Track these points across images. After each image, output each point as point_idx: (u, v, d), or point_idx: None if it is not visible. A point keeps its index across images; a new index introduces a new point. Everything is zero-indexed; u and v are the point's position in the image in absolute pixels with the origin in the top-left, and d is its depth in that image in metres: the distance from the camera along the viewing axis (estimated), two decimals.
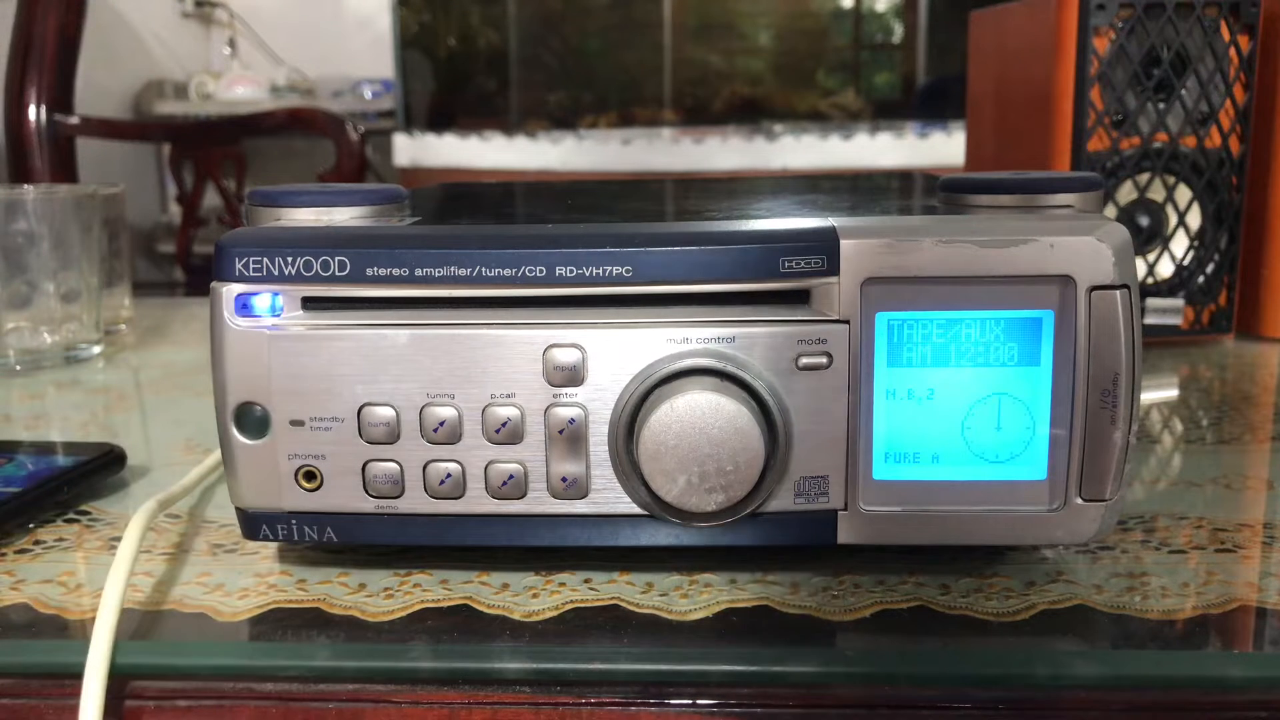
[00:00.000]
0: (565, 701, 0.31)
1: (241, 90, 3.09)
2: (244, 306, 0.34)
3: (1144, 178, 0.67)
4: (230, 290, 0.34)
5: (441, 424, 0.34)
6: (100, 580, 0.34)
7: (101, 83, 2.81)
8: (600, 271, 0.33)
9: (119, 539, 0.36)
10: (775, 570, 0.36)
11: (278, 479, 0.35)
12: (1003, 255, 0.33)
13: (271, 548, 0.39)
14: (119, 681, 0.31)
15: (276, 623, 0.33)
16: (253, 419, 0.34)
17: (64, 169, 1.27)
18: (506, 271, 0.33)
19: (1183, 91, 0.66)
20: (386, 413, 0.34)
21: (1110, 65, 0.65)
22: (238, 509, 0.36)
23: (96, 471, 0.45)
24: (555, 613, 0.34)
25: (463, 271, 0.33)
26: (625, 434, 0.33)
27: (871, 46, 3.49)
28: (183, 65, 3.25)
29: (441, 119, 3.32)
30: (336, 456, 0.35)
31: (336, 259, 0.33)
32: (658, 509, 0.34)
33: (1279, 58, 0.68)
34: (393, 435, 0.34)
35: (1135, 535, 0.39)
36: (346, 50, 3.30)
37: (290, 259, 0.34)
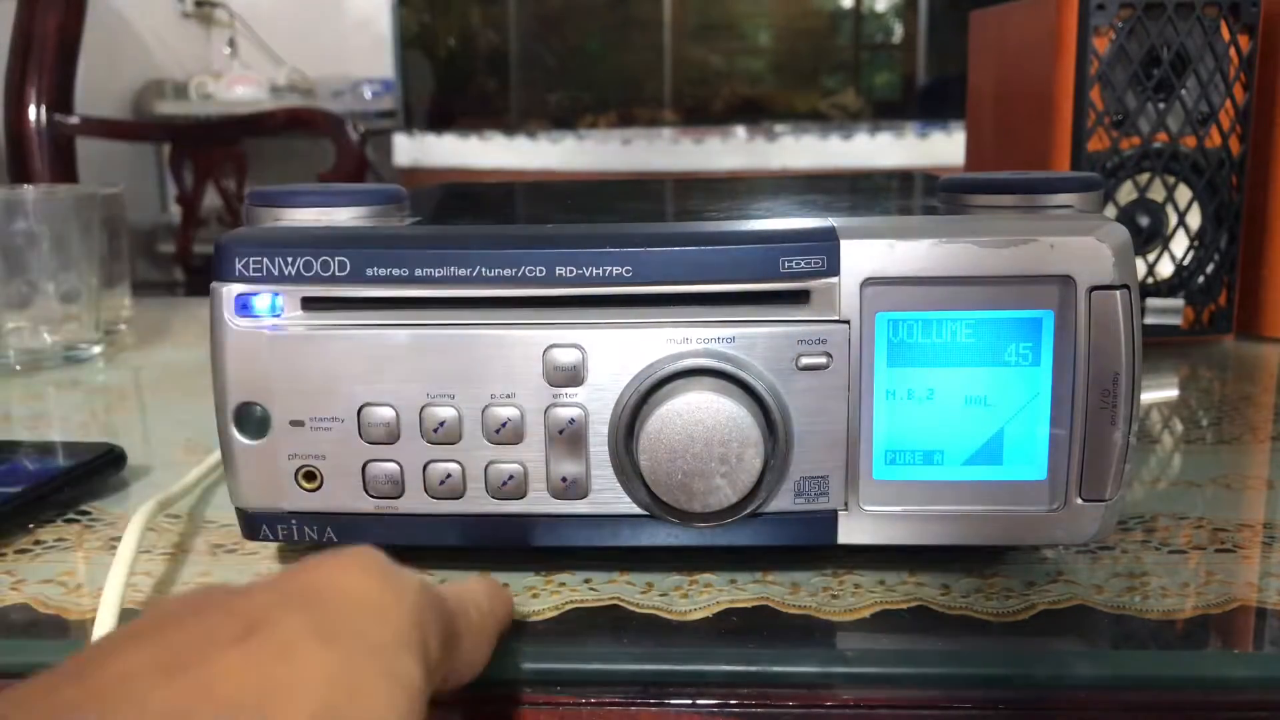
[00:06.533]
0: (565, 701, 0.31)
1: (241, 90, 3.09)
2: (244, 306, 0.34)
3: (1144, 178, 0.67)
4: (230, 290, 0.34)
5: (441, 424, 0.34)
6: (100, 580, 0.34)
7: (101, 83, 2.80)
8: (600, 271, 0.33)
9: (119, 539, 0.36)
10: (775, 570, 0.36)
11: (278, 479, 0.35)
12: (1003, 255, 0.33)
13: (271, 548, 0.39)
14: None
15: None
16: (253, 419, 0.34)
17: (64, 169, 1.27)
18: (506, 271, 0.33)
19: (1183, 91, 0.66)
20: (386, 413, 0.34)
21: (1110, 65, 0.65)
22: (238, 509, 0.36)
23: (96, 471, 0.45)
24: (555, 613, 0.34)
25: (463, 271, 0.33)
26: (625, 434, 0.33)
27: (871, 46, 3.49)
28: (183, 65, 3.24)
29: (441, 119, 3.32)
30: (336, 456, 0.35)
31: (336, 259, 0.33)
32: (658, 509, 0.34)
33: (1279, 58, 0.68)
34: (393, 435, 0.34)
35: (1135, 535, 0.39)
36: (346, 50, 3.30)
37: (290, 259, 0.34)
